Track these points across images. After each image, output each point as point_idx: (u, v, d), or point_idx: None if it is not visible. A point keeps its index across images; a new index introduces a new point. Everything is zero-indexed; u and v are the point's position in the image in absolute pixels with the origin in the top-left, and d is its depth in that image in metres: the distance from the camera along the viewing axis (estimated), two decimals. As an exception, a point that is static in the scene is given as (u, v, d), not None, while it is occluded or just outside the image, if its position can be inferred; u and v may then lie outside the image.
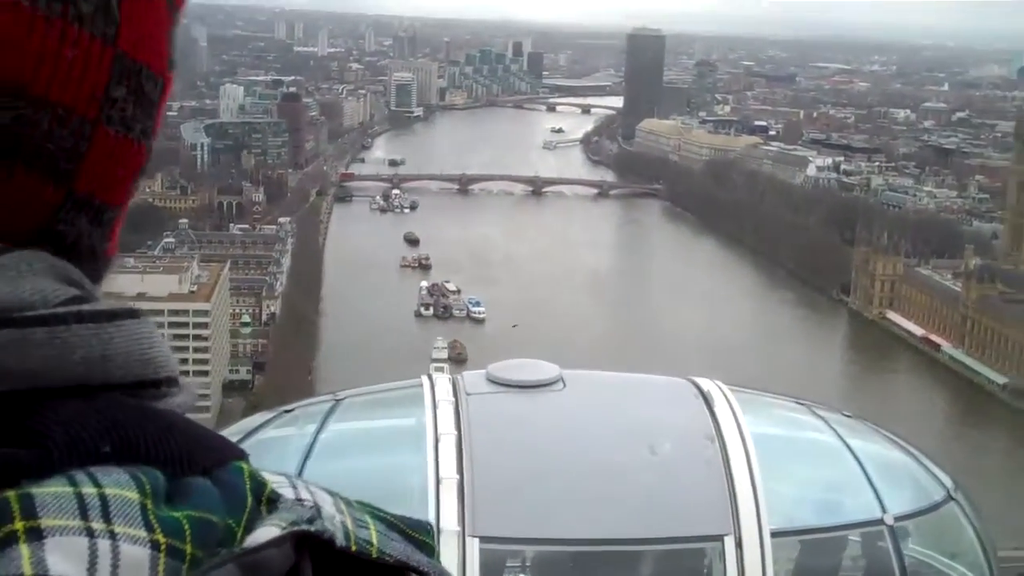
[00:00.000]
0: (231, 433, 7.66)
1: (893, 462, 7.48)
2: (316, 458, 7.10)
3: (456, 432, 6.92)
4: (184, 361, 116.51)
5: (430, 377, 7.48)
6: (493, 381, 7.44)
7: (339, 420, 7.49)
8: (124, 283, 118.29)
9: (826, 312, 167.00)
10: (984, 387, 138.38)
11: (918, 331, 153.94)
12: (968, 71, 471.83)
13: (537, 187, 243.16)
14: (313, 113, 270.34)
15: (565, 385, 7.39)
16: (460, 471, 6.65)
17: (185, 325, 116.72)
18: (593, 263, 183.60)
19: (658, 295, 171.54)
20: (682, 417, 7.23)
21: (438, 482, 6.60)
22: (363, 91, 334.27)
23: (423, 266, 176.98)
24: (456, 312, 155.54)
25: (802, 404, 7.85)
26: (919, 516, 7.03)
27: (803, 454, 7.58)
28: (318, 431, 7.32)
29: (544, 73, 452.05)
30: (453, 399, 7.22)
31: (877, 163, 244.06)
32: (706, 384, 7.47)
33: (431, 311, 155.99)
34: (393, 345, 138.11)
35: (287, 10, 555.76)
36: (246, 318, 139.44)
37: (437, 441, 6.86)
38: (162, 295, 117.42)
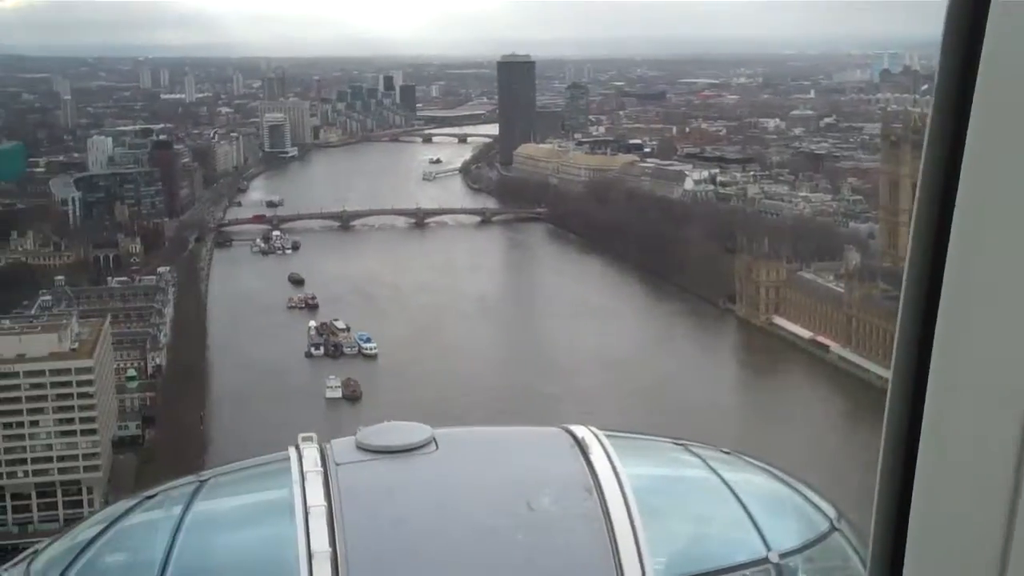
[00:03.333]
0: (95, 522, 7.30)
1: (774, 497, 7.36)
2: (184, 539, 6.78)
3: (326, 504, 6.64)
4: (70, 420, 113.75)
5: (298, 448, 7.18)
6: (363, 448, 7.19)
7: (205, 499, 7.16)
8: (1, 345, 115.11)
9: (715, 321, 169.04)
10: (874, 384, 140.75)
11: (806, 334, 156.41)
12: (832, 77, 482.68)
13: (419, 219, 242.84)
14: (185, 160, 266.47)
15: (437, 446, 7.17)
16: (332, 544, 6.37)
17: (68, 384, 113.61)
18: (480, 289, 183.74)
19: (548, 315, 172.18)
20: (558, 470, 7.04)
21: (310, 557, 6.31)
22: (235, 134, 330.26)
23: (310, 306, 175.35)
24: (347, 350, 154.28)
25: (679, 444, 7.70)
26: (804, 551, 6.90)
27: (684, 497, 7.42)
28: (184, 512, 6.98)
29: (418, 105, 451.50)
30: (322, 469, 6.94)
31: (752, 172, 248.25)
32: (581, 431, 7.29)
33: (322, 351, 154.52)
34: (286, 388, 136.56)
35: (151, 58, 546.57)
36: (132, 372, 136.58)
37: (307, 514, 6.56)
38: (42, 355, 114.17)
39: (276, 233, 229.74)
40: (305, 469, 6.97)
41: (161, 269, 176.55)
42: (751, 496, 7.10)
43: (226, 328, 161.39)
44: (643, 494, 6.78)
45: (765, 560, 6.73)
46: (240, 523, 7.31)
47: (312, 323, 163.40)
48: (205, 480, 7.36)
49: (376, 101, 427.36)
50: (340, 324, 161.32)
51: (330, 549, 6.35)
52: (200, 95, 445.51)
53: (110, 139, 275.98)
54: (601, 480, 6.80)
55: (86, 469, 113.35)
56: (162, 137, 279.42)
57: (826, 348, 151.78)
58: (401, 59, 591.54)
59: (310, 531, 6.47)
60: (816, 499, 7.43)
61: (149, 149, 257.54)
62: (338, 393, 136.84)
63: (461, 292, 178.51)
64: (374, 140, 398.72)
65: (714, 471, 7.30)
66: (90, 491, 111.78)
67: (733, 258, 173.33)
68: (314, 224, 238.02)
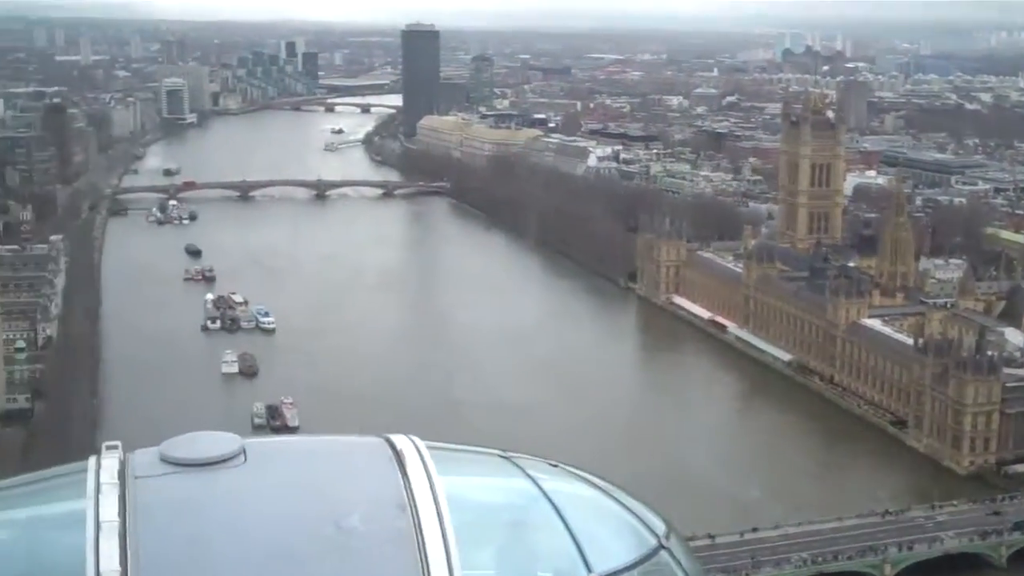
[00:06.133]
0: None
1: (600, 513, 6.99)
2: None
3: (120, 520, 6.16)
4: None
5: (98, 458, 6.71)
6: (166, 460, 6.71)
7: (-11, 511, 6.66)
8: None
9: (615, 299, 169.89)
10: (770, 365, 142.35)
11: (704, 314, 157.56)
12: (736, 56, 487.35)
13: (321, 190, 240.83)
14: (80, 124, 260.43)
15: (247, 459, 6.72)
16: (124, 564, 5.91)
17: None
18: (382, 262, 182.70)
19: (450, 291, 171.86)
20: (372, 485, 6.61)
21: None
22: (132, 99, 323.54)
23: (207, 278, 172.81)
24: (244, 324, 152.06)
25: (504, 457, 7.32)
26: (627, 571, 6.56)
27: (502, 514, 7.03)
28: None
29: (320, 73, 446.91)
30: (119, 483, 6.47)
31: (655, 150, 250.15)
32: (401, 442, 6.90)
33: (219, 324, 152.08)
34: (181, 362, 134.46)
35: (46, 17, 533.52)
36: (20, 343, 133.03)
37: (98, 531, 6.09)
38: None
39: (173, 203, 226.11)
40: (101, 481, 6.47)
41: (53, 237, 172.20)
42: (574, 512, 6.74)
43: (120, 300, 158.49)
44: (459, 511, 6.39)
45: (586, 582, 6.40)
46: (28, 538, 6.80)
47: (209, 296, 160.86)
48: (-9, 490, 6.85)
49: (277, 68, 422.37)
50: (238, 297, 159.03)
51: (120, 568, 5.89)
52: (97, 57, 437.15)
53: (1, 101, 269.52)
54: (416, 496, 6.40)
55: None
56: (56, 100, 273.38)
57: (723, 328, 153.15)
58: (305, 24, 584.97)
59: (100, 549, 6.00)
60: (645, 514, 7.09)
61: (42, 112, 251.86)
62: (235, 368, 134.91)
63: (363, 266, 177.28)
64: (275, 108, 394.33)
65: (537, 485, 6.93)
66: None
67: (634, 236, 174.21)
68: (212, 193, 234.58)
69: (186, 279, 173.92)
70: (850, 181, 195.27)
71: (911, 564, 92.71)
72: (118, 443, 6.98)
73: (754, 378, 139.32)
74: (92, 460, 6.71)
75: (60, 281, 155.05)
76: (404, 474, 6.52)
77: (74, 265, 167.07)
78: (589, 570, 6.31)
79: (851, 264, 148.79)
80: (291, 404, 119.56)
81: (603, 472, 7.34)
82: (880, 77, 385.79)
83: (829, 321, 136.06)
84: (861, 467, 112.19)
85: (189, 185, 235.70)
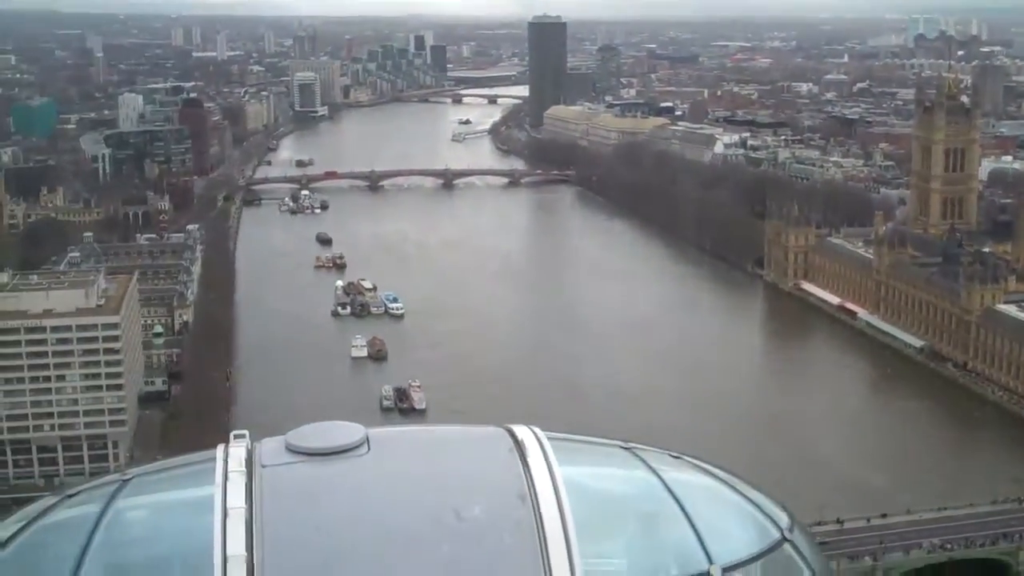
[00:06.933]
0: (14, 521, 7.03)
1: (722, 505, 6.93)
2: (101, 539, 6.50)
3: (246, 506, 6.31)
4: (96, 375, 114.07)
5: (226, 447, 6.87)
6: (292, 449, 6.84)
7: (126, 498, 6.86)
8: (29, 300, 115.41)
9: (742, 286, 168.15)
10: (901, 351, 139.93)
11: (833, 300, 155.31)
12: (866, 42, 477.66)
13: (448, 179, 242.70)
14: (216, 118, 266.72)
15: (369, 448, 6.82)
16: (250, 548, 6.06)
17: (95, 339, 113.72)
18: (509, 250, 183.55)
19: (574, 277, 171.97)
20: (493, 474, 6.66)
21: (225, 560, 6.01)
22: (265, 93, 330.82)
23: (338, 265, 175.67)
24: (374, 309, 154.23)
25: (626, 448, 7.29)
26: (750, 563, 6.48)
27: (623, 507, 6.98)
28: (102, 512, 6.69)
29: (448, 66, 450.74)
30: (246, 470, 6.62)
31: (783, 137, 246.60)
32: (522, 432, 6.91)
33: (348, 310, 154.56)
34: (312, 346, 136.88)
35: (183, 15, 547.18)
36: (158, 328, 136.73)
37: (226, 517, 6.25)
38: (69, 310, 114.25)
39: (305, 192, 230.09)
40: (229, 470, 6.64)
41: (190, 226, 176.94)
42: (696, 503, 6.69)
43: (253, 286, 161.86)
44: (580, 501, 6.39)
45: (706, 574, 6.34)
46: (159, 523, 7.01)
47: (339, 282, 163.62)
48: (128, 479, 7.07)
49: (407, 61, 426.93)
50: (367, 284, 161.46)
51: (246, 553, 6.04)
52: (232, 53, 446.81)
53: (141, 97, 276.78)
54: (537, 486, 6.43)
55: (112, 424, 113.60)
56: (193, 95, 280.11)
57: (853, 314, 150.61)
58: (433, 18, 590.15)
59: (227, 534, 6.17)
60: (768, 506, 6.99)
61: (180, 107, 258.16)
62: (364, 352, 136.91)
63: (488, 253, 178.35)
64: (404, 100, 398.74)
65: (659, 477, 6.88)
66: (115, 445, 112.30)
67: (762, 223, 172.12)
68: (343, 184, 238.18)
69: (317, 266, 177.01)
70: (985, 166, 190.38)
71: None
72: (246, 432, 7.15)
73: (885, 364, 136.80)
74: (220, 448, 6.89)
75: (196, 269, 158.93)
76: (525, 464, 6.55)
77: (209, 253, 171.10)
78: (711, 562, 6.27)
79: (986, 250, 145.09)
80: (418, 387, 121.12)
81: (731, 457, 7.28)
82: (1018, 61, 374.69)
83: (963, 307, 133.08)
84: (995, 454, 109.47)
85: (330, 175, 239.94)
